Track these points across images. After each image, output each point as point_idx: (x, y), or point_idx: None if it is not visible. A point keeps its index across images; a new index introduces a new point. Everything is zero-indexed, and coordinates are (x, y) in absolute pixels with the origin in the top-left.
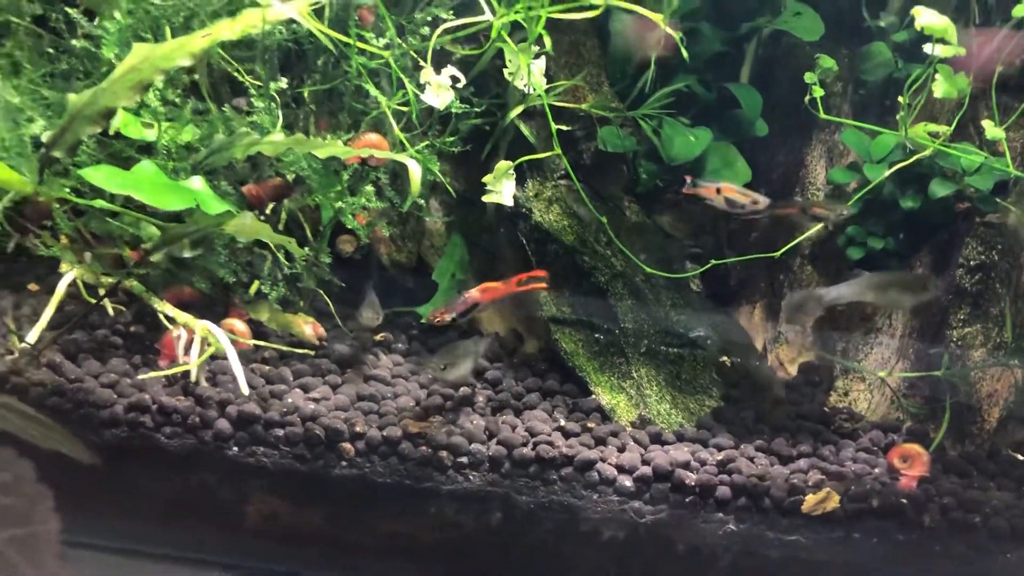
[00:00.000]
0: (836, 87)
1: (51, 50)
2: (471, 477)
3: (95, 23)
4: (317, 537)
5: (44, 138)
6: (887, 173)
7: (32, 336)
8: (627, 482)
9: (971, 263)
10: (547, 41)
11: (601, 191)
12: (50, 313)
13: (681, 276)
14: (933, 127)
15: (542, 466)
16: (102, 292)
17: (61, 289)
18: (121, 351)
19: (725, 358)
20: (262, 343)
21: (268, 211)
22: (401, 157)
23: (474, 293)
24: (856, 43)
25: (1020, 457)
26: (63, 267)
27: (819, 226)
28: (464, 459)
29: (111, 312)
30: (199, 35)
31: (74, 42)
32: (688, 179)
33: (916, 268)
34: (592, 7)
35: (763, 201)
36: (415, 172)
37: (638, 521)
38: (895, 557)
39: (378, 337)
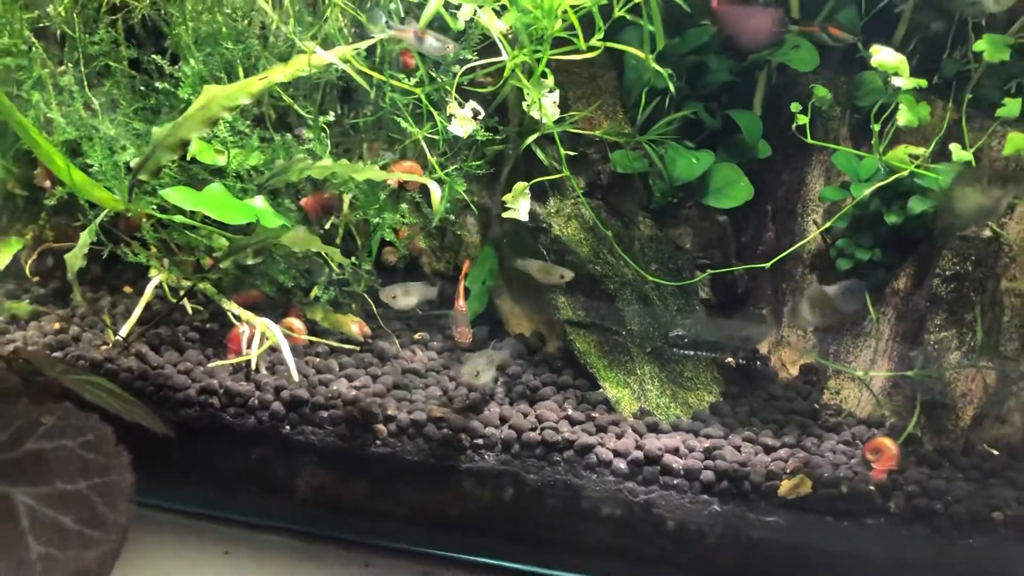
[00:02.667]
0: (835, 112)
1: (143, 88)
2: (486, 457)
3: (178, 66)
4: (356, 505)
5: (132, 163)
6: (868, 191)
7: (124, 330)
8: (622, 464)
9: (947, 273)
10: (550, 79)
11: (617, 207)
12: (139, 311)
13: (679, 284)
14: (912, 149)
15: (547, 448)
16: (182, 294)
17: (149, 291)
18: (197, 344)
19: (730, 359)
20: (315, 339)
21: (327, 226)
22: (426, 180)
23: (459, 303)
24: (856, 71)
25: (995, 452)
26: (152, 272)
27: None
28: (480, 441)
29: (190, 311)
30: (257, 78)
31: (158, 84)
32: None
33: (900, 278)
34: (590, 48)
35: None
36: (436, 193)
37: (632, 500)
38: (863, 538)
39: (416, 336)
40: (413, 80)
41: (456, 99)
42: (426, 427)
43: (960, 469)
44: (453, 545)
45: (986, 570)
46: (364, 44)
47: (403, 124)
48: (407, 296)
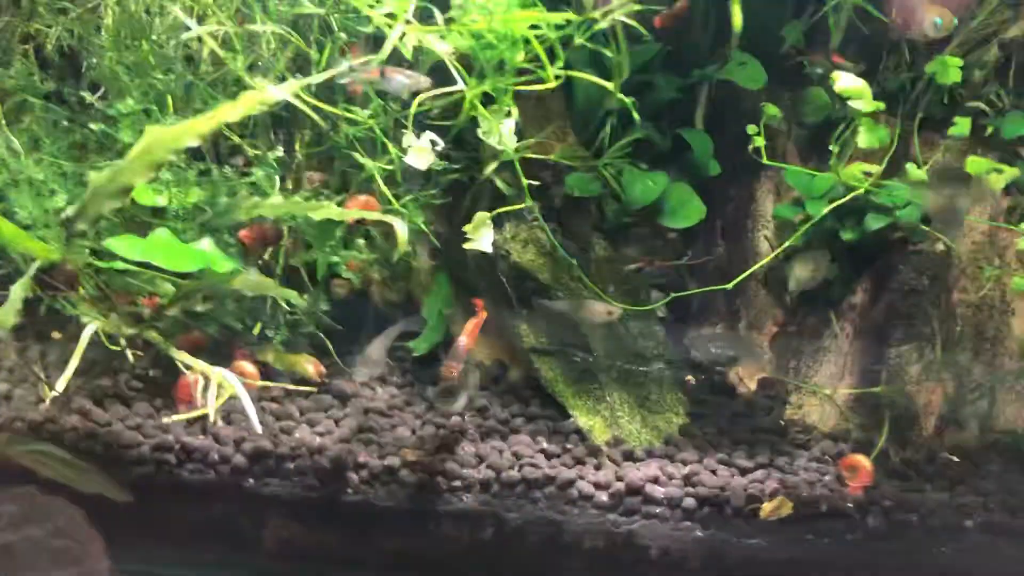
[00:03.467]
0: (781, 127)
1: (65, 123)
2: (464, 498)
3: (99, 94)
4: (330, 558)
5: (69, 211)
6: (826, 210)
7: (60, 384)
8: (603, 497)
9: (905, 288)
10: (514, 111)
11: (572, 229)
12: (76, 362)
13: (648, 308)
14: (866, 166)
15: (528, 486)
16: (123, 341)
17: (84, 339)
18: (142, 395)
19: (689, 377)
20: (269, 383)
21: (267, 256)
22: (388, 218)
23: (463, 340)
24: (798, 85)
25: (955, 459)
26: (84, 318)
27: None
28: (457, 483)
29: (131, 359)
30: (206, 118)
31: (92, 125)
32: None
33: (856, 293)
34: (554, 78)
35: None
36: (401, 231)
37: (615, 531)
38: (845, 554)
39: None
40: (367, 112)
41: (412, 131)
42: (399, 472)
43: (927, 479)
44: None
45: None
46: (318, 78)
47: (358, 157)
48: (375, 365)
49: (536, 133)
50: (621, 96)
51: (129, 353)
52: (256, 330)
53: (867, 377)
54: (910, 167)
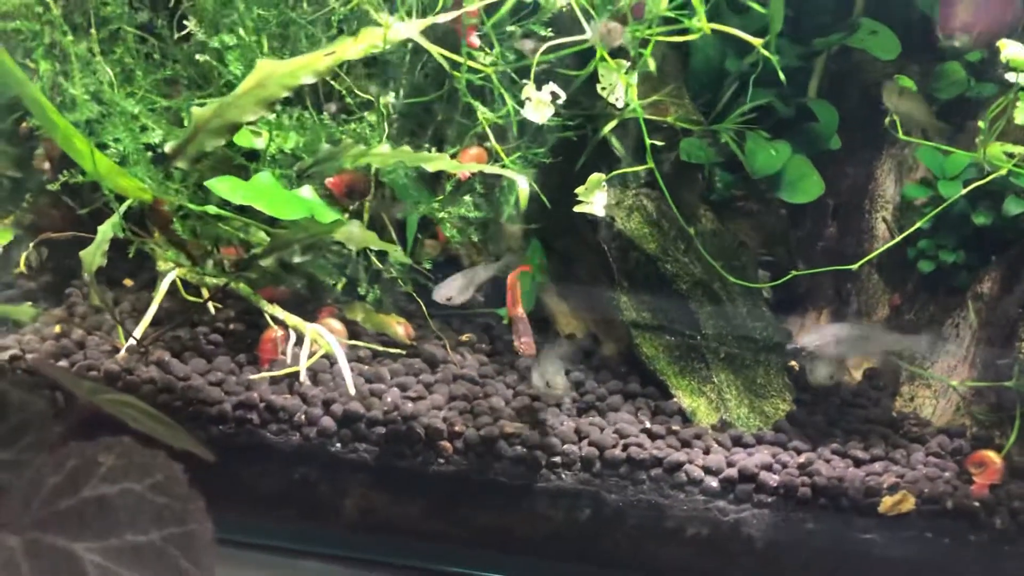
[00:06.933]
0: None
1: (156, 56)
2: (563, 476)
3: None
4: (414, 528)
5: (167, 148)
6: (965, 191)
7: (137, 333)
8: (713, 483)
9: None
10: (651, 64)
11: (678, 200)
12: (153, 311)
13: (771, 285)
14: (1009, 147)
15: (632, 466)
16: (205, 292)
17: (163, 288)
18: (222, 349)
19: (793, 362)
20: (361, 344)
21: (351, 209)
22: (510, 173)
23: (516, 310)
24: (924, 60)
25: None
26: (160, 265)
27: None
28: (557, 459)
29: (213, 311)
30: (323, 53)
31: (198, 57)
32: None
33: (984, 282)
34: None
35: None
36: (523, 188)
37: (722, 519)
38: (966, 556)
39: (463, 338)
40: (489, 58)
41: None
42: (496, 444)
43: None
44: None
45: None
46: (444, 17)
47: (477, 107)
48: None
49: (651, 95)
50: (766, 53)
51: (211, 305)
52: (367, 294)
53: (991, 371)
54: None
